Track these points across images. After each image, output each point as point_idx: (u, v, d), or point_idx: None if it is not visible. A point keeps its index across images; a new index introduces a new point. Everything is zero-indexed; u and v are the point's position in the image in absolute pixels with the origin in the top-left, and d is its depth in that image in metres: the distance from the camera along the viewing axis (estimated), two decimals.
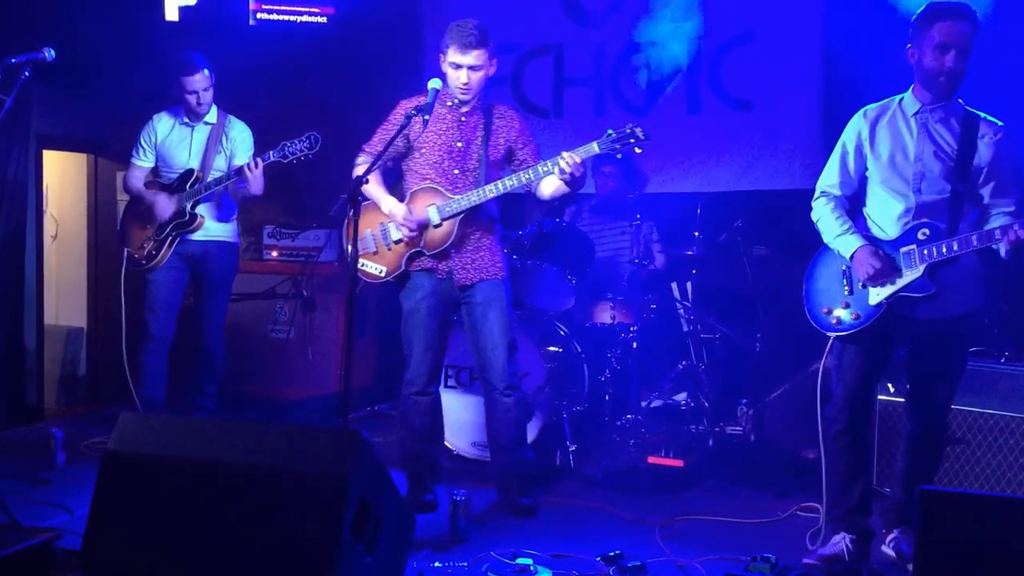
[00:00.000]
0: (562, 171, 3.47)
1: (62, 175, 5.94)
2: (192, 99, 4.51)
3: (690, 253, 5.01)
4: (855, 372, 3.26)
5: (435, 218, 3.69)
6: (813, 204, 3.40)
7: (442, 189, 3.70)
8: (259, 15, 5.69)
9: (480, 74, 3.63)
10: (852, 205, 3.34)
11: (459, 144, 3.70)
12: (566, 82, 5.15)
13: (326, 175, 4.80)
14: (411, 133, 3.69)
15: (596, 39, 5.48)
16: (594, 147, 3.51)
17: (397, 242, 3.77)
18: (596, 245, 5.03)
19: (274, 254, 5.68)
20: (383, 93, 5.56)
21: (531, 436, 4.24)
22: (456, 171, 3.70)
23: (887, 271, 3.13)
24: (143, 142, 4.64)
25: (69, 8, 5.23)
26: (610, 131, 3.52)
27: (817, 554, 3.31)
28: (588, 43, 5.47)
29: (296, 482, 2.40)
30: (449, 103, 3.71)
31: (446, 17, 5.72)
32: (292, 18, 5.69)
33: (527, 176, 3.63)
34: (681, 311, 5.29)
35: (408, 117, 3.50)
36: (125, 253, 4.63)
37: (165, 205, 4.53)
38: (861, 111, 3.31)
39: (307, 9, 5.69)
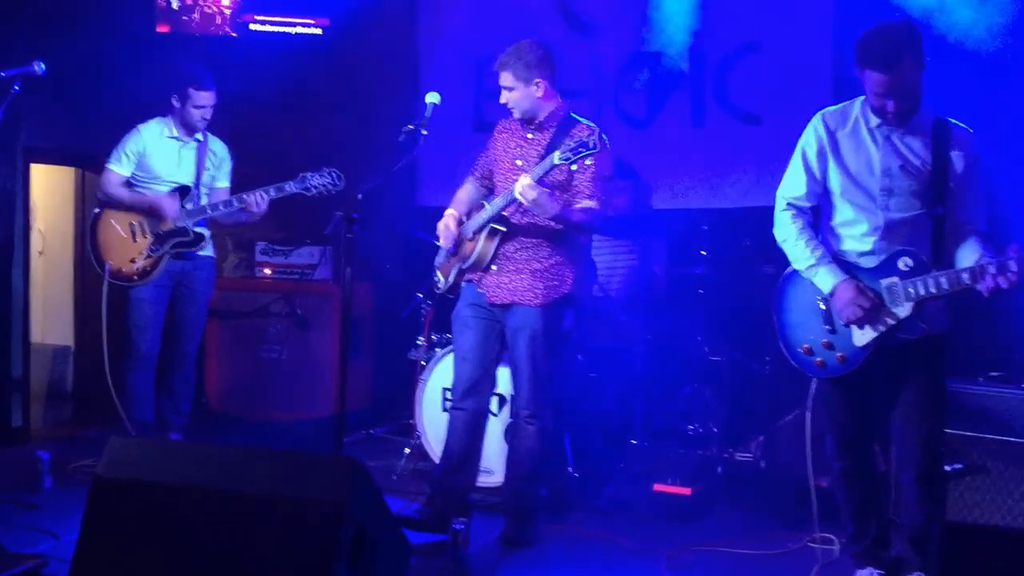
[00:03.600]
0: (514, 199, 3.44)
1: (49, 189, 5.87)
2: (198, 114, 4.42)
3: (697, 272, 4.88)
4: (845, 413, 3.13)
5: (467, 232, 3.74)
6: (777, 217, 3.20)
7: (486, 203, 3.71)
8: (252, 26, 5.61)
9: (515, 94, 3.63)
10: (814, 216, 3.18)
11: (518, 162, 3.69)
12: (565, 94, 5.07)
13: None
14: (495, 150, 3.77)
15: (595, 49, 5.37)
16: (555, 158, 3.39)
17: (452, 254, 3.84)
18: (599, 263, 4.91)
19: (267, 271, 5.59)
20: (379, 106, 5.52)
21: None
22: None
23: (875, 311, 2.95)
24: (128, 150, 4.46)
25: (59, 20, 5.16)
26: (568, 140, 3.44)
27: None
28: (587, 53, 5.35)
29: (291, 509, 2.35)
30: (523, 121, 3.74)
31: (441, 28, 5.76)
32: (286, 29, 5.61)
33: (499, 203, 3.60)
34: (688, 332, 5.17)
35: (408, 133, 3.45)
36: (107, 268, 4.43)
37: (175, 200, 4.38)
38: (819, 115, 3.14)
39: (301, 20, 5.61)
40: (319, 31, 5.59)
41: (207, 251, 4.58)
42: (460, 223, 3.80)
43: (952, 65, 3.91)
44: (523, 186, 3.39)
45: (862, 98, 3.06)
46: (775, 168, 4.95)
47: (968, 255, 2.91)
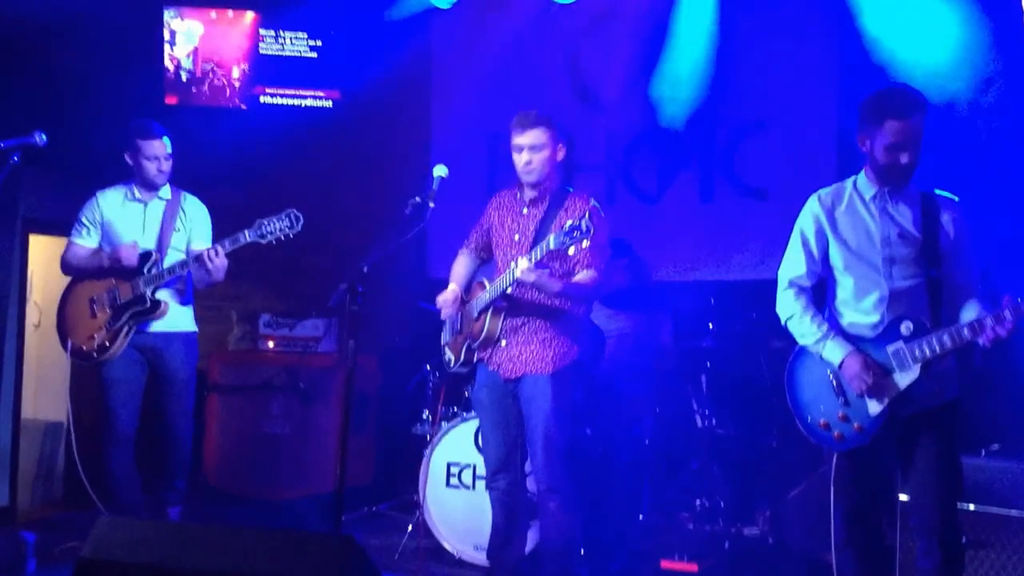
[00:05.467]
0: (516, 280, 3.45)
1: (48, 261, 5.78)
2: (152, 167, 4.21)
3: (704, 345, 4.83)
4: (856, 487, 3.15)
5: (472, 312, 3.73)
6: (780, 296, 3.29)
7: (486, 282, 3.72)
8: (263, 99, 5.64)
9: (541, 155, 3.61)
10: (817, 296, 3.26)
11: (516, 237, 3.70)
12: (576, 167, 5.07)
13: (328, 261, 4.63)
14: (491, 224, 3.77)
15: (607, 125, 5.45)
16: (550, 242, 3.37)
17: (458, 332, 3.83)
18: (605, 336, 4.83)
19: (270, 344, 5.50)
20: (390, 178, 5.53)
21: (537, 537, 4.01)
22: (513, 263, 3.60)
23: (880, 381, 3.02)
24: (85, 220, 4.32)
25: (63, 91, 5.17)
26: (563, 217, 3.46)
27: None
28: (598, 128, 5.43)
29: None
30: (519, 194, 3.74)
31: (454, 101, 5.81)
32: (297, 102, 5.65)
33: (500, 283, 3.58)
34: (695, 405, 5.07)
35: (415, 205, 3.40)
36: (69, 346, 4.23)
37: (119, 288, 4.19)
38: (815, 196, 3.26)
39: (312, 92, 5.65)
40: (329, 103, 5.63)
41: (188, 326, 4.35)
42: (462, 301, 3.80)
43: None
44: (522, 270, 3.42)
45: (854, 177, 3.22)
46: (781, 242, 4.96)
47: (969, 315, 3.01)
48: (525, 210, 3.72)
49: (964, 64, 4.33)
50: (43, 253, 5.72)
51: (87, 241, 4.34)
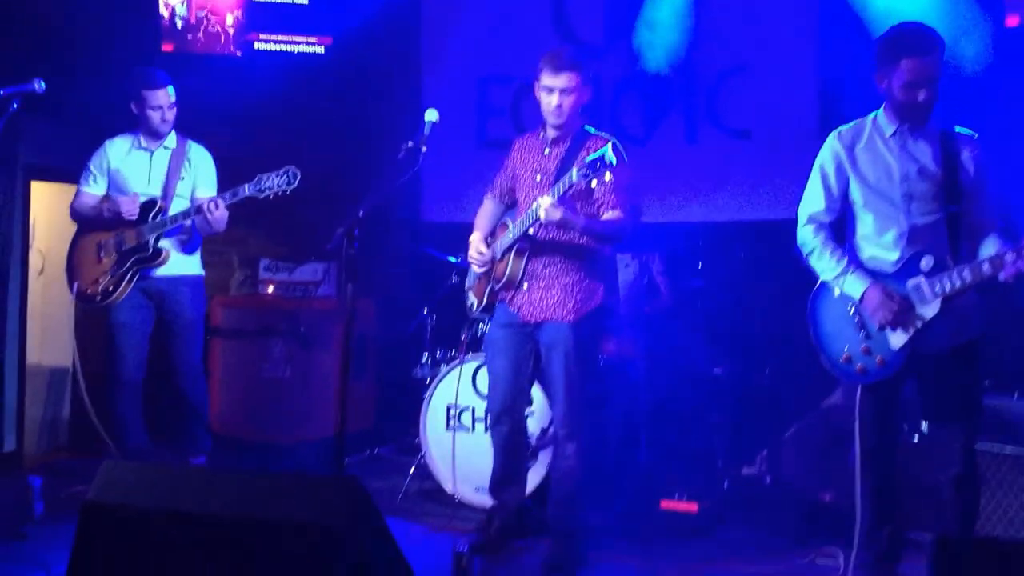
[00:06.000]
0: (538, 219, 3.44)
1: (51, 208, 5.77)
2: (156, 116, 4.27)
3: (694, 285, 4.89)
4: (881, 418, 3.20)
5: (496, 253, 3.74)
6: (800, 232, 3.33)
7: (509, 222, 3.71)
8: (257, 45, 5.60)
9: (572, 98, 3.57)
10: (836, 232, 3.29)
11: (538, 177, 3.66)
12: None
13: (326, 206, 4.63)
14: (515, 167, 3.75)
15: (594, 69, 5.38)
16: (572, 176, 3.35)
17: (482, 276, 3.83)
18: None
19: (270, 288, 5.50)
20: (382, 123, 5.50)
21: (536, 481, 4.13)
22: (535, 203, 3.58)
23: (904, 312, 3.05)
24: (93, 168, 4.40)
25: (62, 38, 5.13)
26: (583, 154, 3.41)
27: None
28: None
29: (287, 535, 2.27)
30: (541, 134, 3.72)
31: (444, 47, 5.79)
32: (289, 47, 5.61)
33: (523, 222, 3.57)
34: (689, 346, 5.12)
35: (408, 150, 3.40)
36: (75, 288, 4.34)
37: (125, 235, 4.28)
38: (835, 132, 3.29)
39: (305, 38, 5.61)
40: (322, 49, 5.59)
41: (194, 270, 4.43)
42: (488, 244, 3.79)
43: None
44: (545, 207, 3.39)
45: (874, 114, 3.23)
46: (765, 182, 5.19)
47: (989, 249, 3.03)
48: (547, 150, 3.68)
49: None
50: (45, 200, 5.70)
51: (95, 189, 4.41)
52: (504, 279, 3.67)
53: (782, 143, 5.10)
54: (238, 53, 5.57)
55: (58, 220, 5.79)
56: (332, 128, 5.60)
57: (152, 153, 4.37)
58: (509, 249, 3.67)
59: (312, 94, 5.61)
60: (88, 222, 4.40)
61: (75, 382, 5.67)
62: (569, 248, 3.62)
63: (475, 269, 3.84)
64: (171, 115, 4.31)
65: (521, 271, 3.64)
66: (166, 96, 4.27)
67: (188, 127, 4.51)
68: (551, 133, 3.67)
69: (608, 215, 3.56)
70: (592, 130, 3.67)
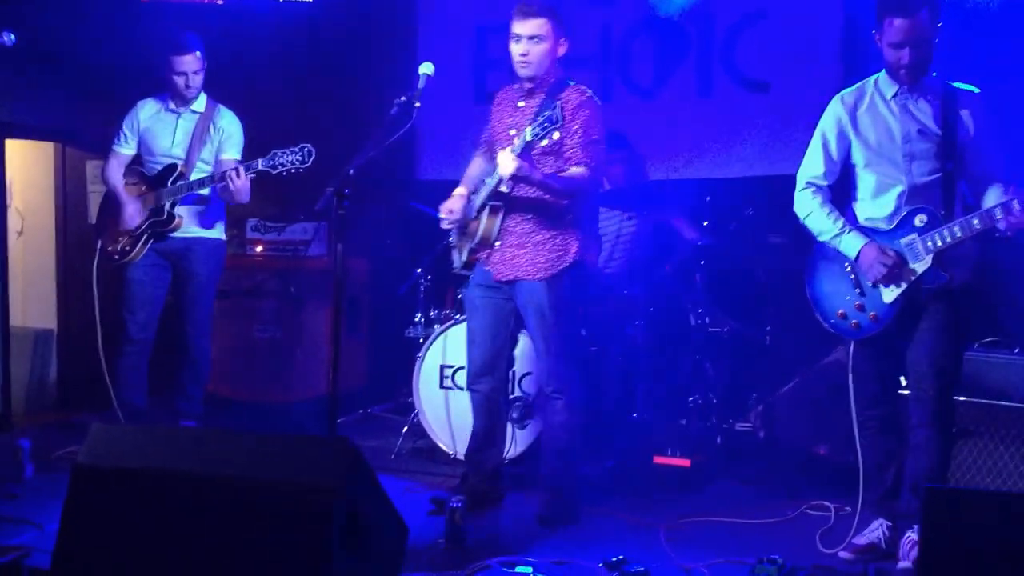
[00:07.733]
0: (502, 179, 3.39)
1: (27, 166, 5.68)
2: (180, 81, 4.28)
3: (699, 243, 4.80)
4: (877, 370, 3.28)
5: (471, 211, 3.68)
6: (797, 195, 3.36)
7: (487, 180, 3.62)
8: None
9: (541, 47, 3.47)
10: (835, 195, 3.33)
11: (511, 132, 3.57)
12: (572, 61, 4.95)
13: (315, 164, 4.51)
14: (493, 121, 3.69)
15: (602, 17, 5.27)
16: (527, 134, 3.30)
17: (463, 233, 3.78)
18: (619, 238, 4.79)
19: (258, 248, 5.44)
20: (372, 79, 5.36)
21: (531, 438, 4.15)
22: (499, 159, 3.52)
23: (897, 269, 3.11)
24: (125, 128, 4.43)
25: None
26: (544, 113, 3.31)
27: (852, 544, 3.30)
28: (593, 21, 5.24)
29: (281, 495, 2.29)
30: (516, 86, 3.63)
31: None
32: None
33: (492, 180, 3.51)
34: (688, 303, 5.07)
35: (401, 105, 3.29)
36: (99, 246, 4.40)
37: (139, 208, 4.34)
38: (837, 96, 3.29)
39: None
40: None
41: (212, 233, 4.43)
42: (468, 201, 3.72)
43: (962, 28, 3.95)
44: (503, 164, 3.35)
45: (876, 76, 3.22)
46: (782, 137, 5.00)
47: (991, 200, 3.05)
48: (521, 103, 3.61)
49: None
50: (21, 158, 5.61)
51: (126, 149, 4.44)
52: (479, 237, 3.63)
53: (802, 96, 4.83)
54: (219, 1, 5.41)
55: (36, 179, 5.68)
56: (321, 82, 5.46)
57: (179, 115, 4.39)
58: (483, 207, 3.62)
59: (299, 45, 5.45)
60: (108, 194, 4.45)
61: (61, 342, 5.62)
62: (540, 205, 3.55)
63: (443, 226, 3.78)
64: (196, 80, 4.30)
65: (496, 229, 3.59)
66: (193, 61, 4.26)
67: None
68: (526, 85, 3.60)
69: (573, 171, 3.49)
70: (572, 83, 3.57)
